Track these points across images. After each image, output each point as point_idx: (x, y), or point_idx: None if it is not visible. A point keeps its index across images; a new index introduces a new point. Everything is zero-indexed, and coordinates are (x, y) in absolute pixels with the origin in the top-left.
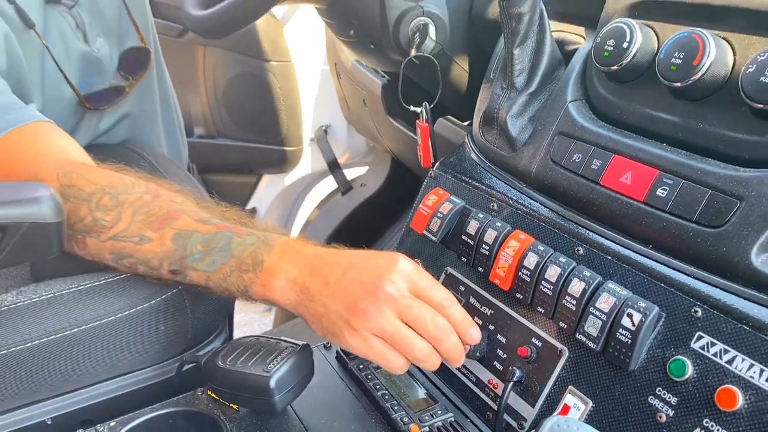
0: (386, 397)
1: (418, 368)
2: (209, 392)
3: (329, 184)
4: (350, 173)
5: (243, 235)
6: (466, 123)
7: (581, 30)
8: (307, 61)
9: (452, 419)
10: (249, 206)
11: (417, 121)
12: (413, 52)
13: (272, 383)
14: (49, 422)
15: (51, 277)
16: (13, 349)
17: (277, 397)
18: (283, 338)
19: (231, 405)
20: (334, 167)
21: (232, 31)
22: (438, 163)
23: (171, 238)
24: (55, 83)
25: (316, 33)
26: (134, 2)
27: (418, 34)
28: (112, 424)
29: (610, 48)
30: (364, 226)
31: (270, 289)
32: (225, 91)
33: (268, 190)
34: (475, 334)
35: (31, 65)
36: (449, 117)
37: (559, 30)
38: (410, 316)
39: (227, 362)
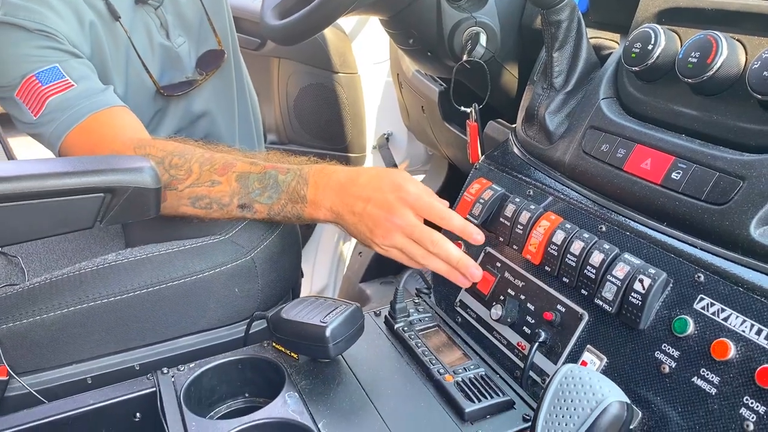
0: (425, 353)
1: (455, 335)
2: (274, 344)
3: None
4: None
5: (284, 173)
6: (513, 125)
7: (616, 37)
8: (372, 73)
9: (483, 373)
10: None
11: (467, 120)
12: (465, 57)
13: (327, 332)
14: (137, 368)
15: (141, 244)
16: (113, 298)
17: (331, 345)
18: (338, 299)
19: (292, 354)
20: None
21: (304, 38)
22: (483, 156)
23: (235, 179)
24: (137, 72)
25: (380, 48)
26: (215, 11)
27: (470, 41)
28: (192, 365)
29: (637, 50)
30: None
31: (315, 215)
32: (296, 101)
33: None
34: (478, 238)
35: (116, 54)
36: (499, 120)
37: (597, 37)
38: (416, 236)
39: (290, 315)
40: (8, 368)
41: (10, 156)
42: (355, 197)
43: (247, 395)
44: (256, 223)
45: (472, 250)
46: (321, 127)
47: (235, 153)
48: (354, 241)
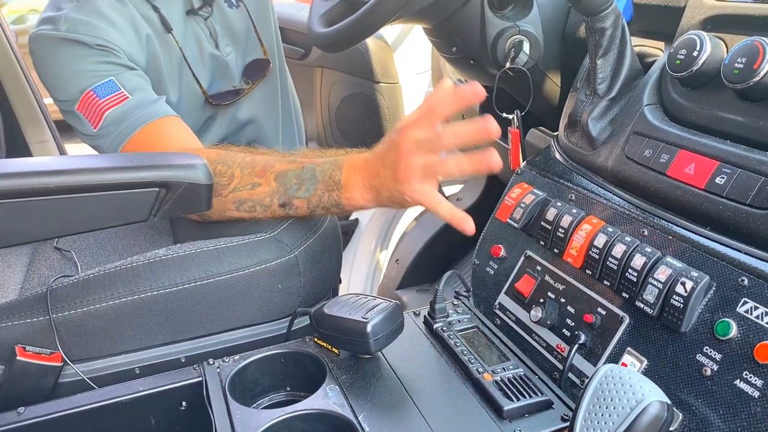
0: (464, 352)
1: (494, 336)
2: (316, 339)
3: None
4: (447, 190)
5: (321, 165)
6: (555, 133)
7: (661, 45)
8: (414, 83)
9: (522, 373)
10: (352, 217)
11: (509, 127)
12: (508, 65)
13: (368, 328)
14: (183, 360)
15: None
16: (162, 291)
17: (371, 341)
18: (379, 297)
19: (333, 349)
20: None
21: (350, 45)
22: (525, 162)
23: (274, 179)
24: (189, 81)
25: (422, 59)
26: (262, 22)
27: (513, 49)
28: (236, 357)
29: (682, 57)
30: (459, 236)
31: (352, 198)
32: (338, 109)
33: None
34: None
35: (169, 64)
36: (540, 127)
37: (641, 44)
38: (426, 142)
39: (332, 311)
40: (63, 355)
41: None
42: (377, 162)
43: (288, 389)
44: (299, 222)
45: (512, 255)
46: (361, 135)
47: (275, 154)
48: (391, 248)
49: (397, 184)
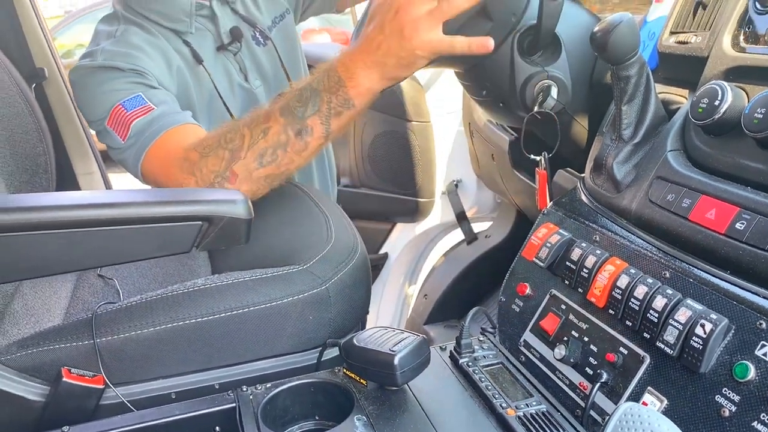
0: (488, 387)
1: (517, 372)
2: (345, 370)
3: (456, 234)
4: (477, 226)
5: (315, 76)
6: (582, 174)
7: (685, 92)
8: (444, 122)
9: (545, 410)
10: (382, 251)
11: (537, 168)
12: (536, 108)
13: (396, 360)
14: (217, 386)
15: (227, 271)
16: (200, 319)
17: (398, 373)
18: (406, 330)
19: (361, 381)
20: (462, 219)
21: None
22: (552, 202)
23: (279, 115)
24: (219, 111)
25: (453, 99)
26: (289, 59)
27: (542, 94)
28: (268, 385)
29: (704, 105)
30: (486, 273)
31: (358, 85)
32: (371, 147)
33: (400, 237)
34: None
35: (200, 94)
36: (568, 169)
37: (665, 92)
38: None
39: (361, 343)
40: (105, 378)
41: (108, 188)
42: (372, 37)
43: (317, 417)
44: (332, 255)
45: (537, 293)
46: (393, 172)
47: (272, 103)
48: (420, 283)
49: (404, 43)
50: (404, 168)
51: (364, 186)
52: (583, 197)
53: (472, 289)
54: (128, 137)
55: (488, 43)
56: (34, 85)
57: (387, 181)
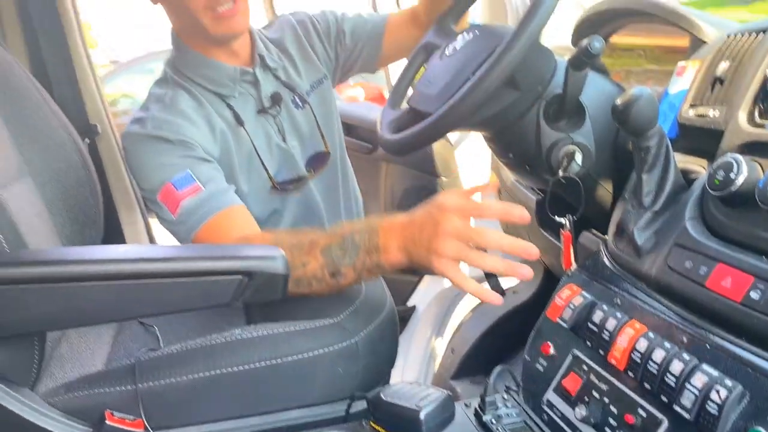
0: None
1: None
2: (371, 423)
3: None
4: (504, 282)
5: (359, 232)
6: (605, 236)
7: (704, 162)
8: (473, 178)
9: None
10: (410, 303)
11: (561, 230)
12: (561, 173)
13: (422, 416)
14: None
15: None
16: (236, 369)
17: (423, 428)
18: (432, 386)
19: None
20: (489, 275)
21: (415, 150)
22: (575, 264)
23: (320, 254)
24: (258, 171)
25: (481, 156)
26: (325, 120)
27: (566, 159)
28: None
29: (720, 178)
30: (514, 328)
31: (390, 258)
32: (400, 201)
33: (428, 289)
34: (517, 212)
35: (240, 155)
36: (592, 230)
37: (685, 161)
38: (465, 235)
39: (388, 397)
40: (145, 422)
41: (151, 237)
42: (414, 228)
43: None
44: (362, 309)
45: (560, 353)
46: None
47: (317, 231)
48: (447, 337)
49: (428, 254)
50: None
51: None
52: (606, 261)
53: (499, 345)
54: (178, 215)
55: (494, 297)
56: (87, 140)
57: None
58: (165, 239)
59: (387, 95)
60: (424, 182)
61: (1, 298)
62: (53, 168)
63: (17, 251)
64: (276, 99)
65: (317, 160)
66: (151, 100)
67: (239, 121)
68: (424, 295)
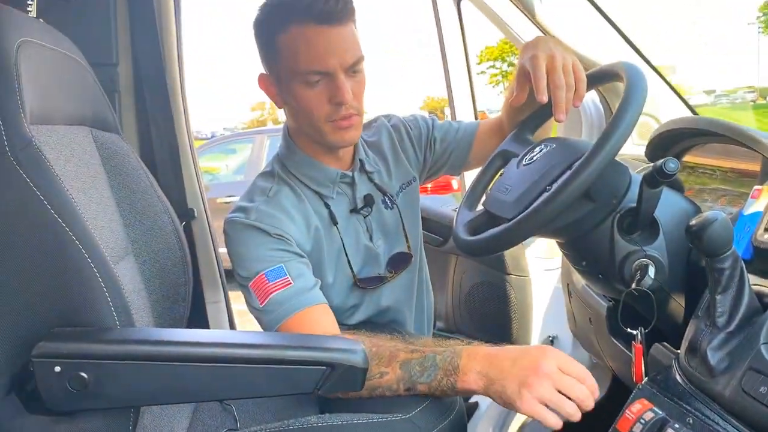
0: None
1: None
2: None
3: None
4: None
5: (441, 353)
6: (678, 351)
7: None
8: (543, 278)
9: None
10: (472, 399)
11: (633, 341)
12: (634, 286)
13: None
14: None
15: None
16: None
17: None
18: None
19: None
20: None
21: (490, 254)
22: (647, 378)
23: (399, 367)
24: (343, 265)
25: (552, 257)
26: (409, 221)
27: (639, 272)
28: None
29: None
30: None
31: (467, 383)
32: (468, 295)
33: None
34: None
35: (329, 251)
36: (664, 343)
37: (760, 284)
38: (561, 384)
39: None
40: None
41: (230, 317)
42: (503, 358)
43: None
44: (432, 406)
45: None
46: (488, 321)
47: (398, 342)
48: None
49: (518, 388)
50: (500, 319)
51: (459, 332)
52: (678, 377)
53: None
54: (266, 304)
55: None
56: (183, 223)
57: (482, 330)
58: (243, 319)
59: (455, 185)
60: (493, 279)
61: (109, 372)
62: (153, 248)
63: (126, 329)
64: (368, 200)
65: (398, 261)
66: (255, 191)
67: (333, 221)
68: None
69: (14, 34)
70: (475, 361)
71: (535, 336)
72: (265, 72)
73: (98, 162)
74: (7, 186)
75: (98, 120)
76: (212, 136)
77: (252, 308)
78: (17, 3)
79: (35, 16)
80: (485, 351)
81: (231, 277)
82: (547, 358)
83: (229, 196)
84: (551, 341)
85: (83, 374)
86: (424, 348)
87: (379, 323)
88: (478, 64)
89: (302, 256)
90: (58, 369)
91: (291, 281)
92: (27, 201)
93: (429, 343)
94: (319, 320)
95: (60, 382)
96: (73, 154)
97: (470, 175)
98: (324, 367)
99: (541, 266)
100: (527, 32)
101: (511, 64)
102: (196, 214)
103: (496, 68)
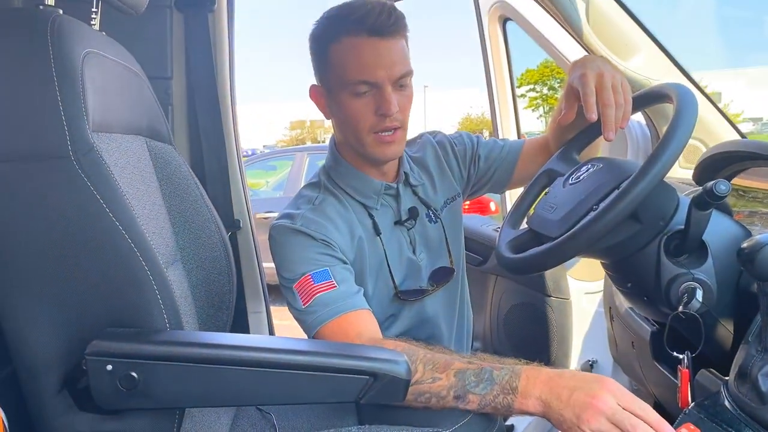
0: None
1: None
2: None
3: None
4: None
5: (499, 369)
6: (726, 377)
7: None
8: (584, 301)
9: None
10: (508, 422)
11: (679, 366)
12: (681, 309)
13: None
14: None
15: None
16: None
17: None
18: None
19: None
20: None
21: (533, 272)
22: (693, 403)
23: (453, 375)
24: (385, 278)
25: (594, 280)
26: (452, 236)
27: (686, 295)
28: None
29: None
30: None
31: (526, 406)
32: (507, 315)
33: None
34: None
35: (372, 262)
36: (711, 369)
37: None
38: (618, 419)
39: None
40: None
41: (271, 326)
42: (563, 387)
43: None
44: (473, 423)
45: None
46: (527, 343)
47: (453, 354)
48: None
49: (576, 421)
50: (539, 341)
51: (496, 352)
52: (727, 403)
53: None
54: (309, 304)
55: None
56: (229, 233)
57: (520, 352)
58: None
59: (492, 207)
60: (533, 300)
61: (158, 372)
62: (200, 257)
63: (175, 331)
64: (413, 213)
65: (440, 275)
66: (302, 200)
67: (377, 231)
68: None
69: (81, 45)
70: (535, 385)
71: (574, 360)
72: (316, 83)
73: (152, 171)
74: (68, 188)
75: (153, 131)
76: (252, 153)
77: (294, 310)
78: (83, 16)
79: (98, 29)
80: (545, 376)
81: (273, 290)
82: (605, 392)
83: (268, 212)
84: (591, 366)
85: (133, 374)
86: (481, 362)
87: (417, 337)
88: (518, 87)
89: (346, 263)
90: (110, 368)
91: (336, 284)
92: (87, 204)
93: (486, 358)
94: (363, 325)
95: (111, 381)
96: (129, 162)
97: (512, 196)
98: (367, 377)
99: (582, 289)
100: (573, 52)
101: (551, 88)
102: (241, 226)
103: (536, 92)
